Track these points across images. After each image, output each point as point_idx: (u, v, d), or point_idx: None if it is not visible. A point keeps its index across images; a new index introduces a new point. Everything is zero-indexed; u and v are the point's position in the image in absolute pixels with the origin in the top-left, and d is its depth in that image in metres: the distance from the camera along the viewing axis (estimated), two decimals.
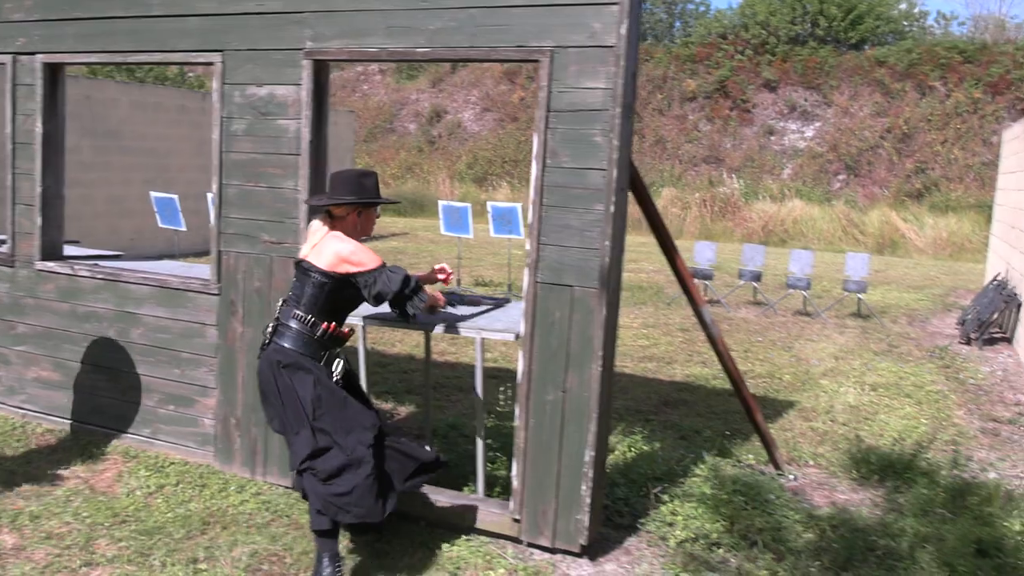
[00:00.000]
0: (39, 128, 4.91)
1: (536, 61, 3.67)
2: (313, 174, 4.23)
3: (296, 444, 3.51)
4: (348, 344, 3.79)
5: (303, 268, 3.59)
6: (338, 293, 3.57)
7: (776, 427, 6.17)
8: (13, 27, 4.99)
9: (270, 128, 4.33)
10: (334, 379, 3.57)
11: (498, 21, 3.73)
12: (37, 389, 5.25)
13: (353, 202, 3.63)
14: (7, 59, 5.00)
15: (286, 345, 3.53)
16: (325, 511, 3.46)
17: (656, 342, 9.15)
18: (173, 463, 4.76)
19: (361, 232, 3.70)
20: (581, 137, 3.63)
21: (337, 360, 3.62)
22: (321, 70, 4.24)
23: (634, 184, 4.03)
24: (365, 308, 4.05)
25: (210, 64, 4.40)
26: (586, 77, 3.59)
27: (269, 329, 3.64)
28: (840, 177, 25.59)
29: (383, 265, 3.59)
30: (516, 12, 3.69)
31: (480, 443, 4.24)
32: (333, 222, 3.65)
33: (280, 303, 3.66)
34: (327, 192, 3.73)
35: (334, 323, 3.59)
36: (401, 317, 3.75)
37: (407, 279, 3.59)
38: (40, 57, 4.91)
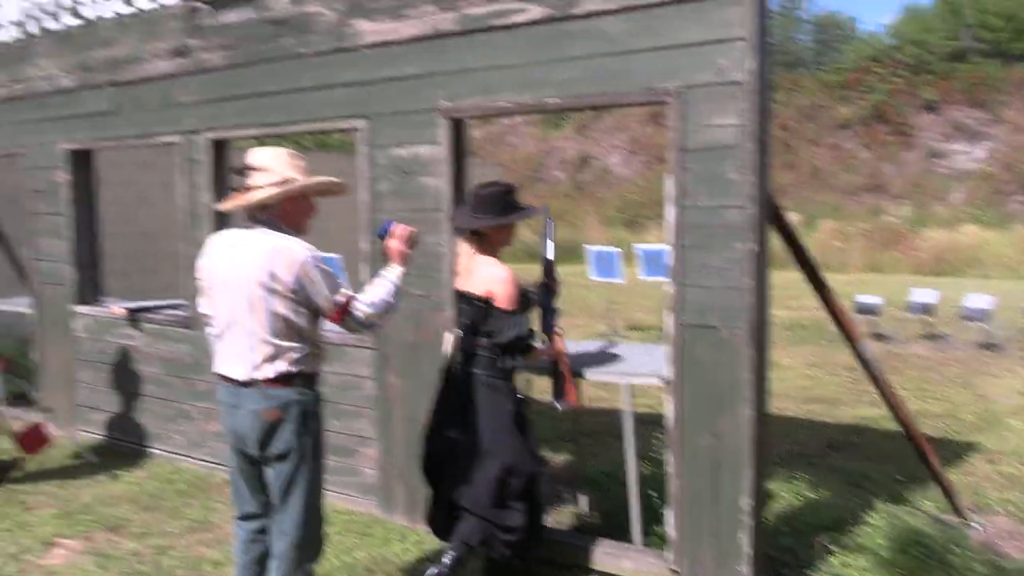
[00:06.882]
0: (208, 199, 5.34)
1: (664, 103, 3.65)
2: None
3: (477, 479, 3.68)
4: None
5: (466, 299, 3.75)
6: None
7: (958, 471, 5.71)
8: (182, 109, 5.51)
9: (413, 186, 4.52)
10: (519, 396, 3.79)
11: (625, 66, 3.75)
12: (216, 442, 5.61)
13: (500, 223, 3.74)
14: (179, 138, 5.51)
15: (477, 371, 3.70)
16: (481, 534, 3.67)
17: (820, 382, 8.73)
18: (338, 511, 4.93)
19: (503, 243, 3.82)
20: (716, 175, 3.57)
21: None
22: (458, 127, 4.39)
23: (776, 218, 3.91)
24: None
25: (355, 129, 4.65)
26: (716, 115, 3.54)
27: (459, 360, 3.77)
28: (1017, 198, 23.74)
29: (517, 311, 3.69)
30: (642, 56, 3.70)
31: (633, 491, 4.15)
32: (480, 239, 3.77)
33: (459, 334, 3.80)
34: (470, 208, 3.81)
35: None
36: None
37: (525, 335, 3.67)
38: (207, 134, 5.36)
